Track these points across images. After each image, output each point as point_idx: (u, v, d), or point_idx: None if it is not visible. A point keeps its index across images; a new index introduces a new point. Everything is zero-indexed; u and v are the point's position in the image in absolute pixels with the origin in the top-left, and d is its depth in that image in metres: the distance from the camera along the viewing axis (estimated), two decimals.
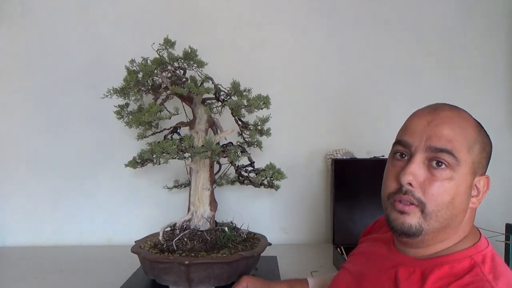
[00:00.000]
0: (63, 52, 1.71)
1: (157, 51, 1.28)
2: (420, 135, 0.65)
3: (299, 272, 1.34)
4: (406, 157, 0.67)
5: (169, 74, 1.29)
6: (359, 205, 1.55)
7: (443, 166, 0.63)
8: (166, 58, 1.28)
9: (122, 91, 1.29)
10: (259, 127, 1.33)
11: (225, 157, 1.22)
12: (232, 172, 1.41)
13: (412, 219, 0.64)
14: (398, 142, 0.69)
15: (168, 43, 1.28)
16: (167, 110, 1.25)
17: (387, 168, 0.71)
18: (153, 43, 1.27)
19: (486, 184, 0.67)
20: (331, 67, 1.74)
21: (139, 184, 1.72)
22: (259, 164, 1.33)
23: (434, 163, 0.63)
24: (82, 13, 1.71)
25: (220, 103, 1.34)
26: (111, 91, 1.28)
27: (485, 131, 0.68)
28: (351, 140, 1.72)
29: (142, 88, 1.32)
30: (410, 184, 0.64)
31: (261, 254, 1.22)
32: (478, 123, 0.69)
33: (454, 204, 0.63)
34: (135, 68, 1.28)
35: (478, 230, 0.70)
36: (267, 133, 1.33)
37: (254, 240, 1.27)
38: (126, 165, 1.26)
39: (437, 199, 0.63)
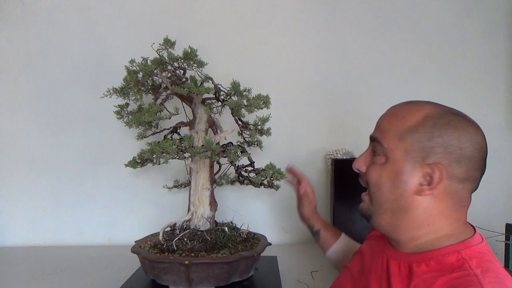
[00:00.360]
0: (63, 52, 1.71)
1: (157, 51, 1.28)
2: (375, 128, 0.76)
3: (299, 272, 1.35)
4: None
5: (169, 74, 1.29)
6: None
7: (379, 153, 0.72)
8: (166, 58, 1.28)
9: (122, 91, 1.29)
10: (259, 127, 1.33)
11: (225, 157, 1.22)
12: (232, 172, 1.41)
13: (364, 204, 0.76)
14: None
15: (168, 43, 1.28)
16: (167, 110, 1.25)
17: None
18: (153, 43, 1.27)
19: (438, 175, 0.65)
20: (331, 67, 1.75)
21: (139, 184, 1.72)
22: (259, 164, 1.33)
23: (375, 150, 0.73)
24: (82, 13, 1.71)
25: (220, 103, 1.34)
26: (111, 91, 1.28)
27: (445, 122, 0.66)
28: (351, 140, 1.72)
29: (142, 88, 1.32)
30: (359, 170, 0.76)
31: (261, 254, 1.22)
32: (439, 114, 0.67)
33: (388, 187, 0.69)
34: (135, 68, 1.28)
35: (474, 228, 0.70)
36: (267, 132, 1.33)
37: (254, 240, 1.27)
38: (126, 165, 1.26)
39: (373, 181, 0.72)
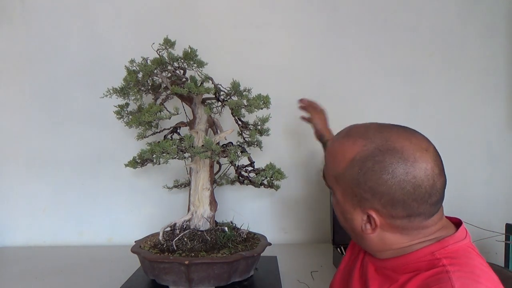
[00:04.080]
0: (63, 52, 1.71)
1: (157, 51, 1.28)
2: None
3: (299, 272, 1.35)
4: None
5: (169, 74, 1.29)
6: None
7: None
8: (166, 58, 1.28)
9: (122, 91, 1.29)
10: (259, 127, 1.33)
11: (225, 157, 1.22)
12: (232, 172, 1.41)
13: None
14: None
15: (168, 43, 1.28)
16: (167, 110, 1.25)
17: None
18: (153, 43, 1.27)
19: (374, 220, 0.64)
20: (331, 67, 1.74)
21: (139, 184, 1.72)
22: (259, 164, 1.33)
23: None
24: (82, 13, 1.71)
25: (220, 103, 1.34)
26: (111, 91, 1.28)
27: (371, 166, 0.62)
28: None
29: (142, 88, 1.32)
30: None
31: (261, 254, 1.22)
32: (367, 156, 0.63)
33: (342, 220, 0.72)
34: (135, 68, 1.28)
35: (459, 224, 0.68)
36: (265, 132, 1.33)
37: (254, 240, 1.27)
38: (126, 165, 1.26)
39: (333, 208, 0.74)
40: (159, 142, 1.17)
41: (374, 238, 0.67)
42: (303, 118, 1.34)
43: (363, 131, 0.67)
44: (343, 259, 0.88)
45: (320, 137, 1.27)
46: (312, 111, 1.29)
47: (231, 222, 1.33)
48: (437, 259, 0.61)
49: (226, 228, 1.25)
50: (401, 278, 0.64)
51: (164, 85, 1.30)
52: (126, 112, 1.32)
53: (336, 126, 1.74)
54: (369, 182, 0.62)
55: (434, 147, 0.64)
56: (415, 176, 0.60)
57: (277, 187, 1.32)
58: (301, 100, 1.31)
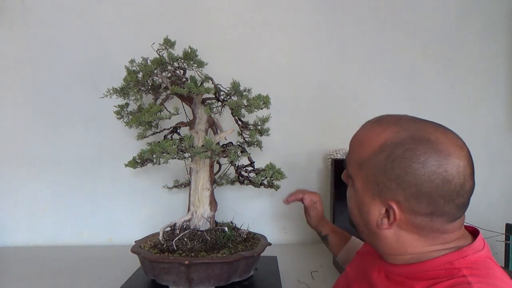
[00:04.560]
0: (63, 52, 1.71)
1: (157, 51, 1.28)
2: None
3: (299, 272, 1.35)
4: None
5: (169, 74, 1.29)
6: None
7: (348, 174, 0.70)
8: (166, 58, 1.28)
9: (122, 91, 1.29)
10: (259, 127, 1.33)
11: (225, 157, 1.22)
12: (232, 172, 1.41)
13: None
14: None
15: (168, 43, 1.28)
16: (167, 110, 1.25)
17: None
18: (153, 43, 1.27)
19: (393, 212, 0.61)
20: (331, 67, 1.75)
21: (139, 184, 1.72)
22: (259, 164, 1.33)
23: None
24: (82, 13, 1.71)
25: (220, 103, 1.34)
26: (111, 91, 1.28)
27: (400, 161, 0.59)
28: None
29: (142, 88, 1.32)
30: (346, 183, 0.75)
31: (261, 254, 1.22)
32: (397, 143, 0.60)
33: (355, 213, 0.69)
34: (135, 68, 1.28)
35: (477, 233, 0.66)
36: (265, 132, 1.33)
37: (254, 240, 1.27)
38: (126, 165, 1.26)
39: (347, 203, 0.73)
40: (159, 142, 1.17)
41: (389, 236, 0.64)
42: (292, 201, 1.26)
43: (395, 119, 0.65)
44: (353, 262, 0.85)
45: (314, 228, 1.23)
46: (312, 210, 1.21)
47: (231, 222, 1.33)
48: (457, 269, 0.58)
49: (226, 228, 1.25)
50: (416, 285, 0.59)
51: (164, 85, 1.30)
52: (126, 112, 1.32)
53: (336, 125, 1.75)
54: (397, 170, 0.59)
55: (468, 149, 0.62)
56: (446, 169, 0.57)
57: (277, 187, 1.32)
58: (287, 202, 1.24)
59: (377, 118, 0.69)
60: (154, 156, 1.17)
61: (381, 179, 0.61)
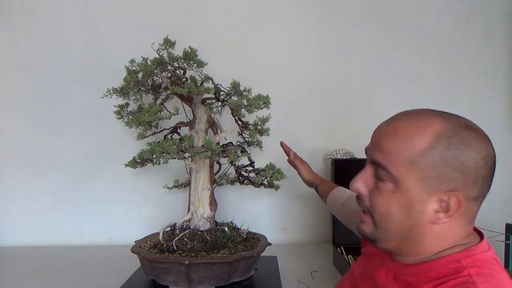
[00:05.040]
0: (63, 52, 1.71)
1: (157, 51, 1.28)
2: (372, 145, 0.67)
3: (299, 272, 1.35)
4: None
5: (169, 74, 1.29)
6: None
7: (385, 179, 0.63)
8: (166, 58, 1.28)
9: (122, 91, 1.29)
10: (259, 127, 1.33)
11: (225, 157, 1.22)
12: (232, 172, 1.41)
13: (367, 227, 0.67)
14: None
15: (168, 43, 1.28)
16: (167, 110, 1.25)
17: None
18: (153, 43, 1.27)
19: (456, 202, 0.60)
20: (331, 67, 1.74)
21: (139, 184, 1.72)
22: (259, 164, 1.33)
23: (378, 174, 0.64)
24: (82, 13, 1.71)
25: (220, 103, 1.34)
26: (111, 91, 1.28)
27: (458, 144, 0.59)
28: (351, 140, 1.72)
29: (142, 88, 1.32)
30: (359, 192, 0.67)
31: (261, 254, 1.22)
32: (449, 134, 0.60)
33: (400, 217, 0.62)
34: (135, 68, 1.28)
35: (481, 236, 0.66)
36: (265, 132, 1.33)
37: (254, 240, 1.27)
38: (126, 165, 1.26)
39: (380, 210, 0.64)
40: (159, 142, 1.17)
41: (436, 232, 0.62)
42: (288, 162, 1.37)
43: (427, 111, 0.65)
44: (358, 261, 0.85)
45: (308, 182, 1.32)
46: (298, 163, 1.32)
47: (231, 222, 1.33)
48: (463, 267, 0.58)
49: (226, 228, 1.25)
50: (424, 287, 0.60)
51: (164, 85, 1.30)
52: (126, 112, 1.32)
53: (336, 126, 1.75)
54: (460, 157, 0.59)
55: None
56: (492, 151, 0.62)
57: (277, 187, 1.32)
58: (281, 144, 1.36)
59: (404, 114, 0.66)
60: (154, 156, 1.17)
61: (443, 170, 0.59)
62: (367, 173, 0.67)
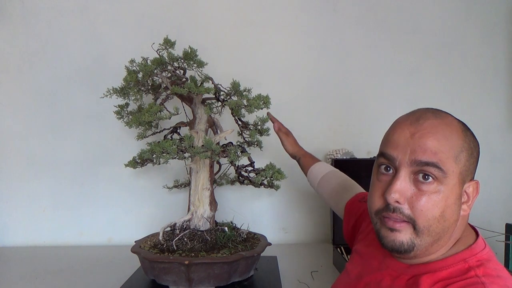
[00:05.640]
0: (63, 52, 1.71)
1: (157, 51, 1.28)
2: (403, 148, 0.62)
3: (299, 272, 1.35)
4: (391, 171, 0.64)
5: (169, 74, 1.29)
6: None
7: (430, 179, 0.60)
8: (166, 58, 1.28)
9: (122, 91, 1.29)
10: (259, 127, 1.33)
11: (225, 157, 1.22)
12: (232, 172, 1.41)
13: (404, 236, 0.62)
14: (382, 154, 0.66)
15: (168, 43, 1.28)
16: (167, 110, 1.25)
17: (373, 182, 0.68)
18: (153, 43, 1.27)
19: (475, 189, 0.64)
20: (331, 67, 1.75)
21: (139, 184, 1.72)
22: (259, 164, 1.34)
23: (420, 176, 0.61)
24: (82, 13, 1.71)
25: (220, 103, 1.34)
26: (111, 91, 1.28)
27: (471, 133, 0.66)
28: (351, 140, 1.72)
29: (142, 88, 1.32)
30: (398, 202, 0.62)
31: (261, 254, 1.22)
32: (464, 126, 0.65)
33: (445, 217, 0.61)
34: (135, 68, 1.28)
35: (476, 231, 0.68)
36: (265, 132, 1.33)
37: (254, 240, 1.27)
38: (126, 165, 1.26)
39: (427, 214, 0.60)
40: (159, 142, 1.17)
41: (462, 222, 0.65)
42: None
43: (434, 109, 0.68)
44: (353, 261, 0.83)
45: (292, 154, 1.32)
46: (282, 135, 1.32)
47: (231, 222, 1.33)
48: (470, 267, 0.60)
49: (226, 228, 1.25)
50: (430, 286, 0.61)
51: (164, 85, 1.30)
52: (126, 112, 1.32)
53: (336, 126, 1.75)
54: (477, 147, 0.65)
55: None
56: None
57: (277, 187, 1.32)
58: (268, 114, 1.34)
59: (429, 113, 0.65)
60: (154, 156, 1.17)
61: (471, 162, 0.64)
62: (404, 179, 0.62)
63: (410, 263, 0.66)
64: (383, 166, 0.66)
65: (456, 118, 0.66)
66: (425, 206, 0.60)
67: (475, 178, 0.66)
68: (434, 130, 0.62)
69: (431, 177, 0.60)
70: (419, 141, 0.61)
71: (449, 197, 0.61)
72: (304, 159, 1.26)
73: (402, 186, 0.61)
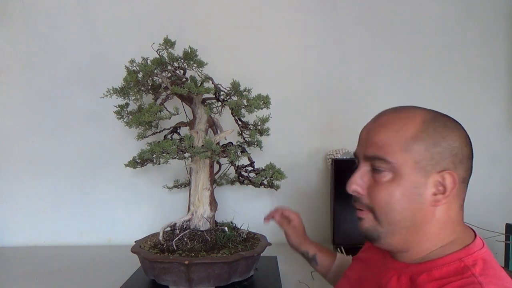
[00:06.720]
0: (63, 52, 1.71)
1: (157, 51, 1.28)
2: (361, 145, 0.71)
3: (299, 272, 1.35)
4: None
5: (169, 74, 1.29)
6: None
7: (382, 170, 0.65)
8: (166, 58, 1.28)
9: (122, 91, 1.29)
10: (259, 127, 1.33)
11: (225, 157, 1.22)
12: (232, 172, 1.41)
13: (367, 223, 0.68)
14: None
15: (168, 43, 1.28)
16: (167, 110, 1.25)
17: None
18: (153, 43, 1.27)
19: (451, 181, 0.63)
20: (331, 67, 1.75)
21: (139, 184, 1.72)
22: (259, 164, 1.33)
23: (375, 168, 0.67)
24: (82, 13, 1.71)
25: (220, 103, 1.34)
26: (111, 91, 1.28)
27: (441, 124, 0.65)
28: (351, 140, 1.72)
29: (142, 88, 1.32)
30: (358, 192, 0.69)
31: (261, 254, 1.22)
32: (430, 117, 0.66)
33: (403, 204, 0.64)
34: (135, 68, 1.28)
35: (474, 232, 0.68)
36: (265, 132, 1.33)
37: (254, 240, 1.27)
38: (126, 165, 1.26)
39: (382, 202, 0.65)
40: (159, 142, 1.17)
41: (438, 217, 0.64)
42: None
43: (408, 106, 0.70)
44: (354, 267, 0.84)
45: (298, 249, 1.10)
46: (284, 226, 1.13)
47: (231, 222, 1.33)
48: (466, 266, 0.60)
49: (226, 228, 1.25)
50: (428, 286, 0.61)
51: (164, 85, 1.30)
52: (126, 112, 1.32)
53: (336, 125, 1.75)
54: (447, 138, 0.64)
55: None
56: (467, 133, 0.67)
57: (277, 187, 1.32)
58: (266, 220, 1.14)
59: (389, 110, 0.71)
60: (154, 156, 1.17)
61: (435, 151, 0.63)
62: (361, 172, 0.69)
63: (407, 261, 0.68)
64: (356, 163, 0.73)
65: (425, 111, 0.67)
66: (379, 195, 0.66)
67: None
68: (384, 124, 0.68)
69: (381, 169, 0.65)
70: (370, 136, 0.68)
71: (404, 185, 0.64)
72: (322, 255, 1.05)
73: (358, 178, 0.69)
